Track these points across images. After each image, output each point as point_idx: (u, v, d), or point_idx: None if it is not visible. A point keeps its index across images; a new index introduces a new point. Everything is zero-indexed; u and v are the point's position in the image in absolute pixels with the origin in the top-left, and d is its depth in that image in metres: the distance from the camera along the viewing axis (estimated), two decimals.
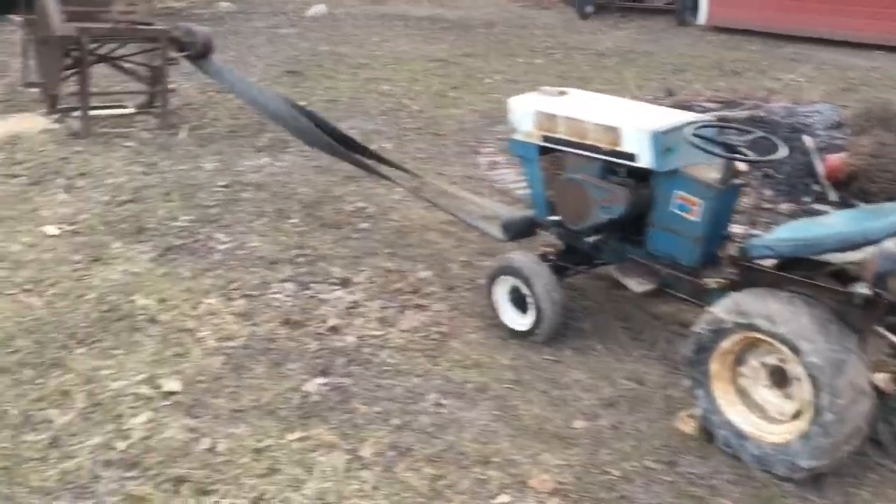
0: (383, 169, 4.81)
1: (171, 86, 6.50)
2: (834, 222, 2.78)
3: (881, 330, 2.55)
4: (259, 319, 3.63)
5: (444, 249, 4.40)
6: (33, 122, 6.27)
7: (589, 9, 13.01)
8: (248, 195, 5.09)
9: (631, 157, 3.14)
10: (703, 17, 11.96)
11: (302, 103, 6.83)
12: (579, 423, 2.93)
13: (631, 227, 3.32)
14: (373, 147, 5.36)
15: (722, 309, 2.65)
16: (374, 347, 3.44)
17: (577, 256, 3.61)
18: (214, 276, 4.02)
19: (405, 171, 4.75)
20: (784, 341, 2.48)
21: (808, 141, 5.30)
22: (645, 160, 3.10)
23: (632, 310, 3.71)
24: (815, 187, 4.95)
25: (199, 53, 6.21)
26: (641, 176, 3.22)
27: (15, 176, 5.22)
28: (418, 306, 3.79)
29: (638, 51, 10.44)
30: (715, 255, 3.15)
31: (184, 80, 7.33)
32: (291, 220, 4.72)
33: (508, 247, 4.12)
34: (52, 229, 4.46)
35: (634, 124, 3.12)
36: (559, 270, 3.52)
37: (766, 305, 2.52)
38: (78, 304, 3.67)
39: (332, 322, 3.63)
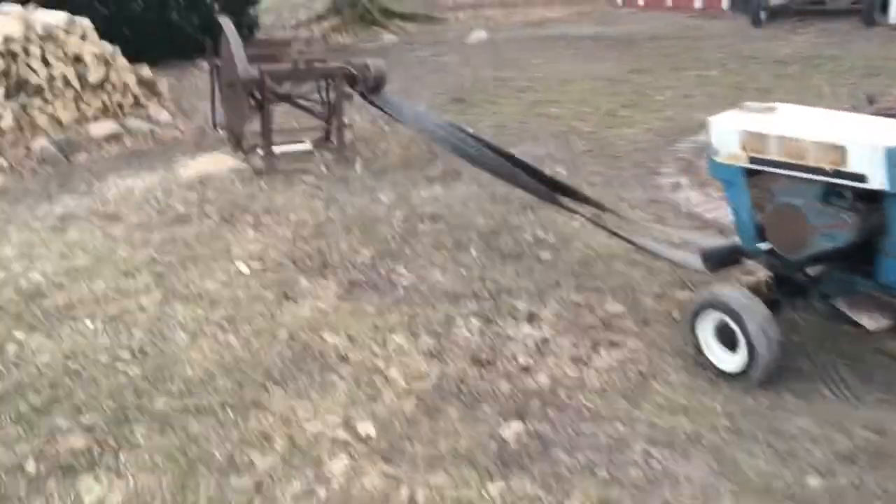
0: (563, 198, 4.63)
1: (345, 120, 6.63)
2: None
3: None
4: (447, 358, 3.53)
5: (633, 280, 4.15)
6: (221, 162, 6.57)
7: (763, 15, 12.32)
8: (425, 227, 5.05)
9: (860, 177, 2.79)
10: (893, 16, 11.01)
11: (470, 129, 6.85)
12: (813, 481, 2.60)
13: (858, 256, 2.96)
14: (546, 172, 5.22)
15: None
16: (569, 389, 3.24)
17: (790, 288, 3.27)
18: (399, 312, 3.98)
19: (589, 201, 4.53)
20: None
21: None
22: (878, 181, 2.75)
23: (856, 347, 3.32)
24: None
25: (373, 87, 6.31)
26: (870, 198, 2.86)
27: (207, 215, 5.45)
28: (612, 343, 3.57)
29: (823, 56, 9.74)
30: None
31: (354, 114, 7.48)
32: (471, 253, 4.62)
33: (706, 278, 3.83)
34: (243, 266, 4.59)
35: (863, 141, 2.78)
36: (772, 304, 3.19)
37: None
38: (272, 343, 3.72)
39: (522, 361, 3.48)
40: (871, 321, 2.85)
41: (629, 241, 4.17)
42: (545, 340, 3.64)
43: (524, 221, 5.03)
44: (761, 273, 3.86)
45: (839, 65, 9.15)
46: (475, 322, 3.84)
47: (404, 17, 15.15)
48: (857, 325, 2.97)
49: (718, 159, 3.29)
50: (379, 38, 13.57)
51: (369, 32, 14.10)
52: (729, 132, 3.22)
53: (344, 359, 3.54)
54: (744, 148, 3.17)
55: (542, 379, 3.34)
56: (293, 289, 4.30)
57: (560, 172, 6.00)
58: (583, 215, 4.54)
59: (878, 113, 5.82)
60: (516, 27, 14.42)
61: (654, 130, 7.08)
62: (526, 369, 3.42)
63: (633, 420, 3.00)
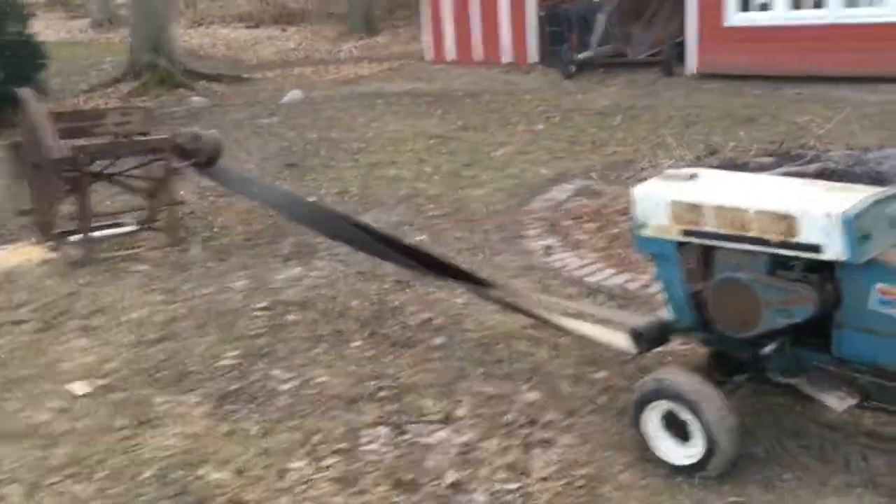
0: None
1: (177, 197, 5.90)
2: None
3: None
4: (363, 483, 2.99)
5: (542, 362, 3.81)
6: (27, 253, 5.62)
7: (572, 68, 12.76)
8: (294, 317, 4.47)
9: (814, 248, 2.62)
10: (692, 65, 11.75)
11: (311, 198, 6.34)
12: None
13: (809, 330, 2.78)
14: (407, 241, 4.83)
15: None
16: None
17: (733, 367, 3.06)
18: (289, 428, 3.39)
19: (475, 279, 4.16)
20: None
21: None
22: (835, 251, 2.58)
23: (798, 420, 3.15)
24: None
25: (208, 160, 5.65)
26: (821, 268, 2.69)
27: (21, 322, 4.55)
28: (544, 442, 3.19)
29: (638, 106, 10.12)
30: None
31: (182, 189, 6.74)
32: (355, 344, 4.11)
33: (620, 357, 3.56)
34: (80, 386, 3.80)
35: (815, 209, 2.61)
36: (717, 386, 2.95)
37: None
38: (138, 489, 3.00)
39: (450, 476, 3.01)
40: (839, 401, 2.66)
41: (545, 321, 3.84)
42: (468, 446, 3.20)
43: (404, 301, 4.58)
44: (681, 349, 3.66)
45: (657, 115, 9.51)
46: (383, 431, 3.33)
47: (210, 77, 14.29)
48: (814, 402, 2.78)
49: (646, 233, 3.03)
50: (186, 101, 12.66)
51: (174, 96, 13.14)
52: (656, 203, 2.98)
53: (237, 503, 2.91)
54: (675, 220, 2.93)
55: (480, 497, 2.89)
56: (149, 411, 3.59)
57: (422, 240, 5.63)
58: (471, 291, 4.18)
59: (724, 163, 5.97)
60: (330, 85, 14.04)
61: (504, 190, 6.90)
62: (457, 486, 2.95)
63: None
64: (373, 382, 3.70)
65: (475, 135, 9.31)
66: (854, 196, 2.67)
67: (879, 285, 2.58)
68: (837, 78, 10.29)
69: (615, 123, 9.29)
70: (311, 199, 6.49)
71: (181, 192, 6.22)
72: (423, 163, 8.08)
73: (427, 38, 16.10)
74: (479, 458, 3.11)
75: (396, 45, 19.11)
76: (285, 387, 3.74)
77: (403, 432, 3.31)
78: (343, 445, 3.24)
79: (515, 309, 3.91)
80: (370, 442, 3.26)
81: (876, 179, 5.04)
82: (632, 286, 4.62)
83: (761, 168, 5.56)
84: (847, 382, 2.71)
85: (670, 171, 3.14)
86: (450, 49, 15.58)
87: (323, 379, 3.77)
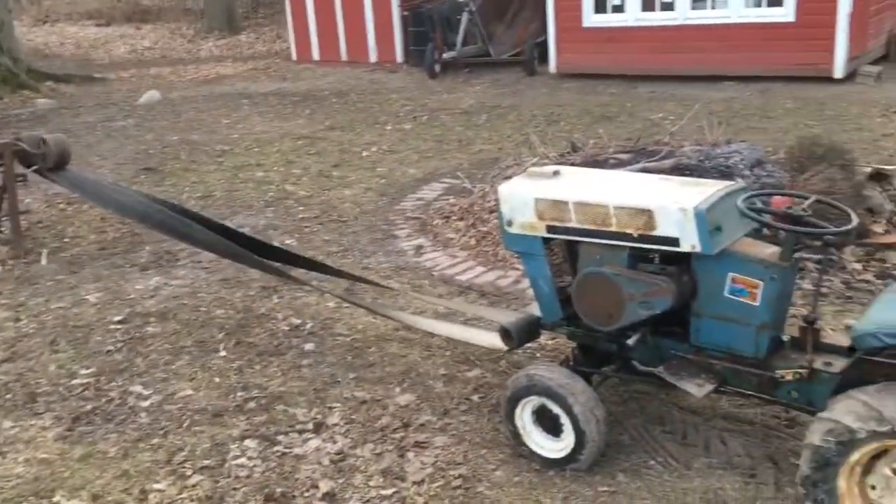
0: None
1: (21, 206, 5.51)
2: None
3: None
4: (232, 501, 2.87)
5: (414, 363, 3.78)
6: None
7: (437, 67, 12.83)
8: (154, 329, 4.25)
9: (672, 241, 2.70)
10: (552, 65, 12.05)
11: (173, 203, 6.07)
12: None
13: (668, 320, 2.87)
14: (275, 244, 4.71)
15: (849, 416, 2.23)
16: None
17: (599, 359, 3.12)
18: (151, 447, 3.21)
19: (345, 275, 4.09)
20: None
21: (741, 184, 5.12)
22: (690, 243, 2.67)
23: (662, 408, 3.25)
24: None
25: (55, 164, 5.29)
26: (679, 260, 2.79)
27: None
28: (418, 444, 3.15)
29: (503, 105, 10.28)
30: (780, 341, 2.76)
31: (25, 196, 6.31)
32: (220, 354, 3.95)
33: (493, 354, 3.58)
34: None
35: (671, 203, 2.69)
36: (583, 379, 3.01)
37: None
38: None
39: (324, 486, 2.92)
40: (698, 388, 2.75)
41: (414, 326, 3.83)
42: (342, 454, 3.12)
43: (272, 307, 4.44)
44: (549, 343, 3.72)
45: (522, 113, 9.70)
46: (252, 445, 3.20)
47: (58, 78, 13.47)
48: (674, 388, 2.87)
49: (513, 230, 3.05)
50: (31, 103, 11.87)
51: (16, 97, 12.29)
52: (521, 201, 2.99)
53: None
54: (540, 217, 2.96)
55: None
56: None
57: (290, 244, 5.50)
58: (331, 293, 4.10)
59: (586, 160, 6.13)
60: (191, 85, 13.54)
61: (374, 190, 6.84)
62: (332, 496, 2.88)
63: None
64: (240, 394, 3.56)
65: (343, 135, 9.20)
66: (706, 190, 2.78)
67: (732, 274, 2.69)
68: (687, 76, 10.82)
69: (481, 122, 9.40)
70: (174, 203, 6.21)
71: (26, 201, 5.82)
72: (290, 164, 7.90)
73: (291, 37, 15.81)
74: (353, 465, 3.05)
75: (260, 43, 18.66)
76: (145, 403, 3.54)
77: (273, 444, 3.20)
78: (209, 462, 3.09)
79: (392, 318, 3.88)
80: (238, 456, 3.13)
81: (724, 173, 5.30)
82: (502, 283, 4.67)
83: (620, 164, 5.74)
84: (705, 369, 2.81)
85: (534, 169, 3.17)
86: (315, 48, 15.36)
87: (186, 393, 3.60)
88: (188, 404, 3.51)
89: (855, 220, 2.59)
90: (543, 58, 12.36)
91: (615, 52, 11.35)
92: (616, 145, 6.50)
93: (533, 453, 2.98)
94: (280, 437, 3.24)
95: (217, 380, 3.70)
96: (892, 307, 2.42)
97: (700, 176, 5.08)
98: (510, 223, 3.05)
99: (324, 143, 8.77)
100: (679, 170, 5.40)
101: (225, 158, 8.24)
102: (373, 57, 14.70)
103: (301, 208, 6.41)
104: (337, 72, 14.27)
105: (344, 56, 15.02)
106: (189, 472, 3.03)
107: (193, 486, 2.94)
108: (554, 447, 2.94)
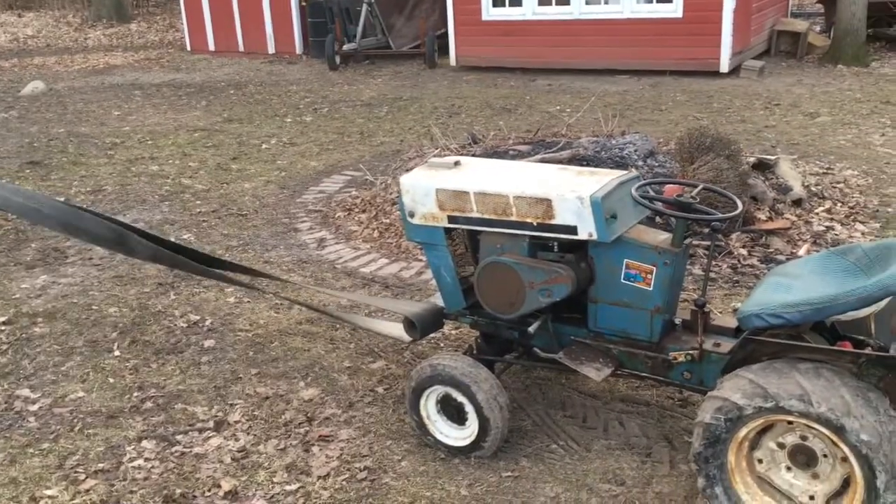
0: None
1: None
2: (828, 279, 2.57)
3: None
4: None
5: (318, 357, 3.74)
6: None
7: (337, 59, 12.71)
8: (42, 329, 4.06)
9: (570, 229, 2.76)
10: (452, 58, 12.12)
11: (60, 198, 5.81)
12: None
13: (568, 306, 2.94)
14: (172, 239, 4.56)
15: (737, 394, 2.33)
16: None
17: (502, 347, 3.17)
18: (41, 452, 3.07)
19: (246, 271, 4.00)
20: (825, 422, 2.20)
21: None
22: (588, 231, 2.73)
23: (561, 392, 3.33)
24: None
25: None
26: (577, 248, 2.85)
27: None
28: (323, 438, 3.12)
29: (404, 97, 10.28)
30: (673, 324, 2.86)
31: None
32: (114, 354, 3.81)
33: (398, 345, 3.59)
34: None
35: (568, 193, 2.74)
36: (487, 367, 3.04)
37: (794, 384, 2.24)
38: None
39: (226, 485, 2.86)
40: (595, 372, 2.83)
41: (326, 314, 3.79)
42: (244, 451, 3.06)
43: (169, 304, 4.31)
44: (453, 332, 3.75)
45: (423, 105, 9.72)
46: (149, 446, 3.10)
47: None
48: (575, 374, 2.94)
49: (415, 221, 3.05)
50: None
51: None
52: (423, 192, 3.00)
53: None
54: (442, 207, 2.97)
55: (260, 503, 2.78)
56: None
57: (188, 239, 5.35)
58: (240, 284, 4.01)
59: (486, 151, 6.19)
60: (79, 76, 12.98)
61: (275, 183, 6.73)
62: (234, 495, 2.82)
63: None
64: (136, 394, 3.45)
65: (241, 127, 9.01)
66: (601, 179, 2.85)
67: (627, 260, 2.77)
68: (584, 70, 11.09)
69: (382, 114, 9.38)
70: (61, 199, 5.94)
71: None
72: (187, 157, 7.68)
73: (185, 26, 15.35)
74: (256, 462, 2.99)
75: (152, 33, 18.07)
76: (34, 407, 3.38)
77: (172, 444, 3.11)
78: (104, 465, 2.98)
79: (311, 308, 3.83)
80: (135, 458, 3.02)
81: (619, 163, 5.46)
82: (405, 274, 4.67)
83: (520, 155, 5.83)
84: (603, 353, 2.88)
85: (435, 160, 3.18)
86: (210, 38, 14.97)
87: (78, 395, 3.46)
88: (80, 407, 3.37)
89: (741, 207, 2.71)
90: (444, 50, 12.43)
91: (513, 45, 11.51)
92: (516, 137, 6.59)
93: (438, 442, 3.00)
94: (179, 437, 3.15)
95: (111, 380, 3.57)
96: (774, 289, 2.54)
97: (596, 166, 5.23)
98: (412, 214, 3.05)
99: (221, 136, 8.57)
100: (576, 160, 5.53)
101: (116, 151, 7.94)
102: (271, 48, 14.44)
103: (198, 202, 6.25)
104: (234, 63, 13.96)
105: (241, 47, 14.70)
106: (82, 477, 2.91)
107: (87, 490, 2.83)
108: (459, 435, 2.97)
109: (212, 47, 14.94)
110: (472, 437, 2.92)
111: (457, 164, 3.12)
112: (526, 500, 2.72)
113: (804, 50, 11.44)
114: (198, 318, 4.14)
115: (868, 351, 2.30)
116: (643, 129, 7.24)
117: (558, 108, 9.18)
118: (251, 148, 8.01)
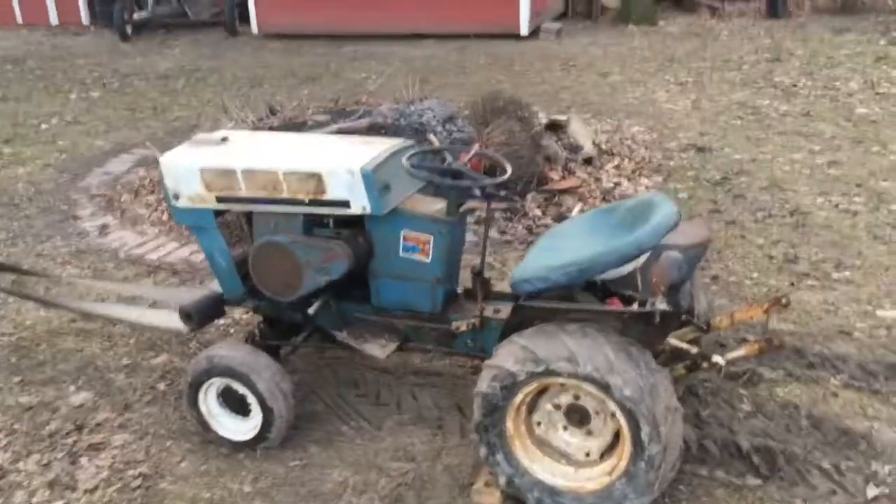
0: None
1: None
2: (594, 238, 2.57)
3: (673, 341, 2.44)
4: None
5: (92, 357, 3.44)
6: None
7: (128, 29, 11.86)
8: None
9: (343, 204, 2.63)
10: (254, 25, 11.62)
11: None
12: None
13: (351, 283, 2.82)
14: None
15: (510, 360, 2.31)
16: None
17: (285, 330, 3.02)
18: None
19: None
20: (592, 381, 2.22)
21: (433, 139, 5.24)
22: (361, 205, 2.62)
23: (353, 371, 3.23)
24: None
25: None
26: (353, 223, 2.74)
27: None
28: (93, 447, 2.86)
29: (203, 68, 9.75)
30: (455, 294, 2.82)
31: None
32: None
33: (183, 336, 3.35)
34: None
35: (337, 166, 2.61)
36: (271, 352, 2.89)
37: (562, 346, 2.24)
38: None
39: None
40: (381, 349, 2.74)
41: (94, 315, 3.47)
42: (1, 470, 2.75)
43: None
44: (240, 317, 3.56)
45: (223, 77, 9.25)
46: None
47: None
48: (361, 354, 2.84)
49: (181, 204, 2.82)
50: None
51: None
52: (187, 172, 2.77)
53: None
54: (208, 188, 2.76)
55: None
56: None
57: None
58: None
59: (285, 123, 5.96)
60: None
61: (54, 166, 6.17)
62: None
63: None
64: None
65: (18, 106, 8.22)
66: (374, 150, 2.74)
67: (404, 232, 2.69)
68: (390, 35, 10.94)
69: (179, 87, 8.84)
70: None
71: None
72: None
73: None
74: (14, 482, 2.69)
75: None
76: None
77: None
78: None
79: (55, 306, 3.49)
80: None
81: (419, 130, 5.39)
82: (195, 259, 4.39)
83: (318, 126, 5.63)
84: (388, 329, 2.80)
85: (200, 136, 2.95)
86: None
87: None
88: None
89: (509, 171, 2.68)
90: (245, 18, 11.89)
91: (319, 10, 11.17)
92: (315, 107, 6.38)
93: (222, 438, 2.82)
94: None
95: None
96: (544, 254, 2.54)
97: (395, 134, 5.13)
98: (177, 196, 2.82)
99: None
100: (375, 129, 5.41)
101: None
102: (54, 19, 13.29)
103: None
104: (11, 36, 12.73)
105: (19, 18, 13.43)
106: None
107: None
108: (243, 428, 2.80)
109: None
110: (257, 429, 2.76)
111: (224, 139, 2.91)
112: (313, 489, 2.60)
113: (598, 11, 11.87)
114: None
115: (630, 308, 2.34)
116: (447, 94, 7.24)
117: (364, 75, 9.00)
118: (28, 129, 7.31)
